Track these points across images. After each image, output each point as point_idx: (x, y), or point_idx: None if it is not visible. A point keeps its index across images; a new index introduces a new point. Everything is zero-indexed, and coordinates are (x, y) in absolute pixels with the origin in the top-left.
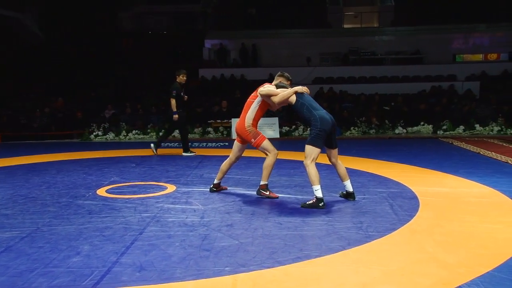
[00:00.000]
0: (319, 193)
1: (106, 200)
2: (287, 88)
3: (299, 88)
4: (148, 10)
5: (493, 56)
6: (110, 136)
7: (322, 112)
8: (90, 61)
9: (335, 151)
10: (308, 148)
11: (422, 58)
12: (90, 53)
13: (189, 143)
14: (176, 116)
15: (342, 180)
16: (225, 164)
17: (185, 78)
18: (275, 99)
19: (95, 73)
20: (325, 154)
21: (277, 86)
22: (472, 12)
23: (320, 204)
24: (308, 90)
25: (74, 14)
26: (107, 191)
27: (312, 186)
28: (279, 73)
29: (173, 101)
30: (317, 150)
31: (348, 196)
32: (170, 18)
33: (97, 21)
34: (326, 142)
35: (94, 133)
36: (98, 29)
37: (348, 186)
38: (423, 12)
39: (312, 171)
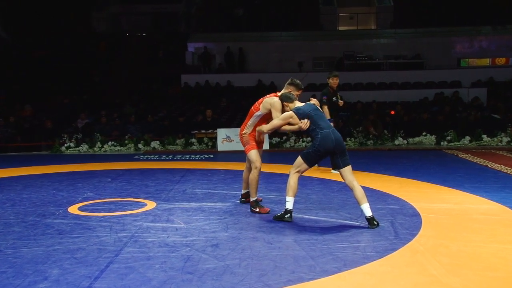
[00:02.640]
0: (289, 205)
1: (79, 219)
2: (292, 100)
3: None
4: (125, 10)
5: (501, 61)
6: (84, 148)
7: (326, 132)
8: (61, 66)
9: (345, 172)
10: (299, 159)
11: (424, 63)
12: (61, 56)
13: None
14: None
15: (359, 204)
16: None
17: (337, 81)
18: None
19: (66, 79)
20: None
21: (283, 97)
22: (477, 13)
23: (286, 216)
24: (317, 102)
25: (43, 14)
26: (79, 209)
27: (286, 196)
28: (289, 80)
29: (325, 108)
30: (305, 165)
31: (368, 222)
32: (149, 19)
33: (69, 22)
34: (331, 162)
35: (65, 145)
36: (69, 30)
37: (366, 210)
38: (424, 13)
39: (291, 181)
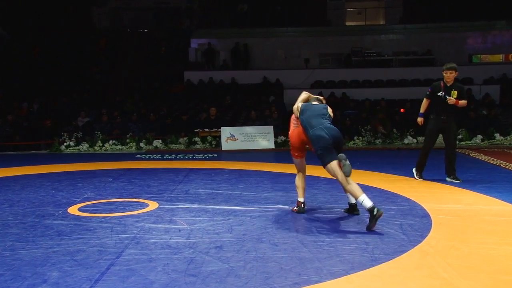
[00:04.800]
0: (366, 203)
1: (79, 220)
2: (312, 99)
3: (302, 97)
4: (126, 5)
5: None
6: (84, 146)
7: (316, 130)
8: (61, 63)
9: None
10: (324, 166)
11: (434, 59)
12: (60, 53)
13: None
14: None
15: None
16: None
17: (451, 74)
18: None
19: (66, 76)
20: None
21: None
22: (490, 7)
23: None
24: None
25: (42, 10)
26: (79, 209)
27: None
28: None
29: (424, 102)
30: (330, 165)
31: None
32: (151, 15)
33: (68, 18)
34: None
35: (65, 144)
36: (69, 27)
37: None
38: (435, 8)
39: (345, 185)
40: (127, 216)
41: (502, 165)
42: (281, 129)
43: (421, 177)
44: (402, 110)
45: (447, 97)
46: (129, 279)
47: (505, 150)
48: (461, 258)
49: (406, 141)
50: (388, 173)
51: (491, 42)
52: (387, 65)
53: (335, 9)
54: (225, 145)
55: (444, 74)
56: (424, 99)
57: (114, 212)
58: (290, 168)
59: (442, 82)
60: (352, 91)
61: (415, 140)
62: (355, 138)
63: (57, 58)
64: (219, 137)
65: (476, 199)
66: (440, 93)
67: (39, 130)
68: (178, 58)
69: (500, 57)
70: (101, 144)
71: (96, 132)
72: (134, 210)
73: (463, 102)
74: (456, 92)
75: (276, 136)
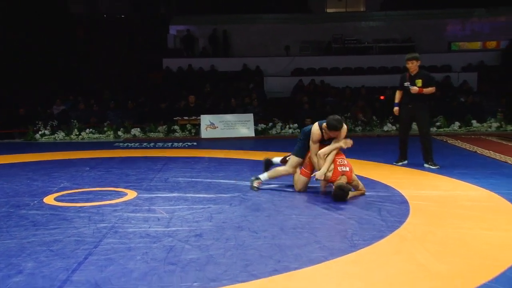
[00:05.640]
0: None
1: (55, 210)
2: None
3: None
4: None
5: (492, 44)
6: (60, 135)
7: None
8: (35, 50)
9: None
10: None
11: (415, 47)
12: (35, 40)
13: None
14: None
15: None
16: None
17: (412, 64)
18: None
19: (40, 64)
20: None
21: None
22: None
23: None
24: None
25: None
26: (56, 199)
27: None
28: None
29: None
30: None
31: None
32: (129, 0)
33: (43, 4)
34: None
35: (40, 132)
36: (44, 13)
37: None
38: None
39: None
40: (105, 206)
41: (479, 152)
42: (261, 116)
43: (401, 161)
44: (382, 97)
45: (410, 87)
46: (107, 268)
47: (482, 136)
48: (437, 243)
49: (385, 128)
50: (368, 160)
51: (470, 30)
52: (368, 52)
53: None
54: (205, 133)
55: (407, 65)
56: (397, 90)
57: (92, 202)
58: (270, 156)
59: (407, 72)
60: (333, 78)
61: (394, 127)
62: None
63: (32, 44)
64: (199, 125)
65: (453, 185)
66: (406, 84)
67: (12, 118)
68: (157, 45)
69: (478, 45)
70: (77, 133)
71: (72, 120)
72: (112, 199)
73: (428, 90)
74: (420, 80)
75: (256, 123)
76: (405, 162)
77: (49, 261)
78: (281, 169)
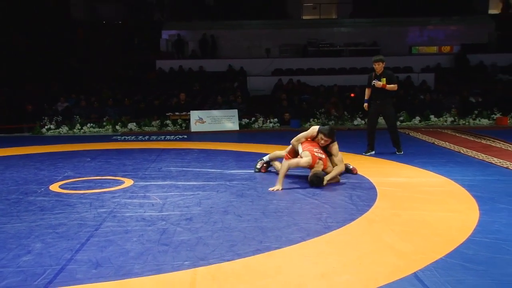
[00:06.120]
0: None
1: (60, 196)
2: None
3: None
4: None
5: (446, 49)
6: (64, 129)
7: None
8: (41, 52)
9: None
10: None
11: (380, 50)
12: (40, 43)
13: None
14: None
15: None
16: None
17: (378, 65)
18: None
19: (46, 65)
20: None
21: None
22: (427, 5)
23: None
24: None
25: (21, 1)
26: (60, 187)
27: None
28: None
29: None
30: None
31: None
32: (125, 7)
33: (47, 9)
34: None
35: (46, 127)
36: (48, 18)
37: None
38: (381, 4)
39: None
40: (104, 193)
41: (436, 143)
42: (245, 112)
43: (369, 151)
44: (352, 95)
45: (374, 81)
46: (107, 249)
47: (438, 130)
48: (402, 224)
49: (355, 122)
50: (340, 151)
51: (427, 36)
52: (339, 55)
53: (293, 3)
54: (194, 127)
55: (374, 66)
56: (366, 88)
57: (93, 189)
58: (252, 148)
59: (374, 72)
60: (308, 78)
61: (363, 122)
62: (311, 120)
63: (37, 47)
64: (189, 120)
65: (415, 172)
66: (374, 81)
67: (21, 114)
68: (151, 48)
69: (434, 49)
70: (79, 127)
71: (75, 116)
72: (111, 187)
73: (390, 86)
74: (384, 79)
75: (240, 118)
76: (373, 152)
77: (55, 242)
78: (279, 152)
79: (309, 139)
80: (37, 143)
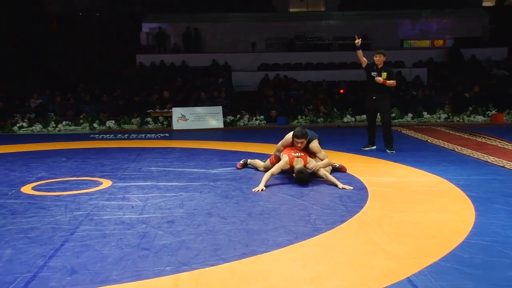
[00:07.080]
0: None
1: (32, 198)
2: None
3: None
4: None
5: (439, 42)
6: (37, 127)
7: None
8: (11, 45)
9: None
10: None
11: (370, 44)
12: (12, 36)
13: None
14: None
15: None
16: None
17: (379, 58)
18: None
19: (17, 59)
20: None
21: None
22: None
23: None
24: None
25: None
26: (33, 188)
27: None
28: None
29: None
30: None
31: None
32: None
33: (18, 1)
34: None
35: (18, 125)
36: (20, 10)
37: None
38: None
39: None
40: (81, 194)
41: (429, 141)
42: (230, 109)
43: (369, 146)
44: (341, 90)
45: (376, 77)
46: (83, 254)
47: (432, 127)
48: (393, 226)
49: (345, 119)
50: (329, 149)
51: (419, 29)
52: (328, 49)
53: None
54: (176, 125)
55: (374, 58)
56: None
57: (68, 191)
58: (237, 146)
59: (374, 65)
60: (296, 73)
61: (353, 119)
62: (299, 117)
63: (8, 40)
64: (171, 117)
65: (407, 172)
66: (374, 73)
67: None
68: (130, 41)
69: (427, 43)
70: (54, 125)
71: (49, 113)
72: (88, 188)
73: (390, 82)
74: (385, 73)
75: (224, 115)
76: (374, 147)
77: (27, 248)
78: (260, 162)
79: (288, 147)
80: (8, 142)
